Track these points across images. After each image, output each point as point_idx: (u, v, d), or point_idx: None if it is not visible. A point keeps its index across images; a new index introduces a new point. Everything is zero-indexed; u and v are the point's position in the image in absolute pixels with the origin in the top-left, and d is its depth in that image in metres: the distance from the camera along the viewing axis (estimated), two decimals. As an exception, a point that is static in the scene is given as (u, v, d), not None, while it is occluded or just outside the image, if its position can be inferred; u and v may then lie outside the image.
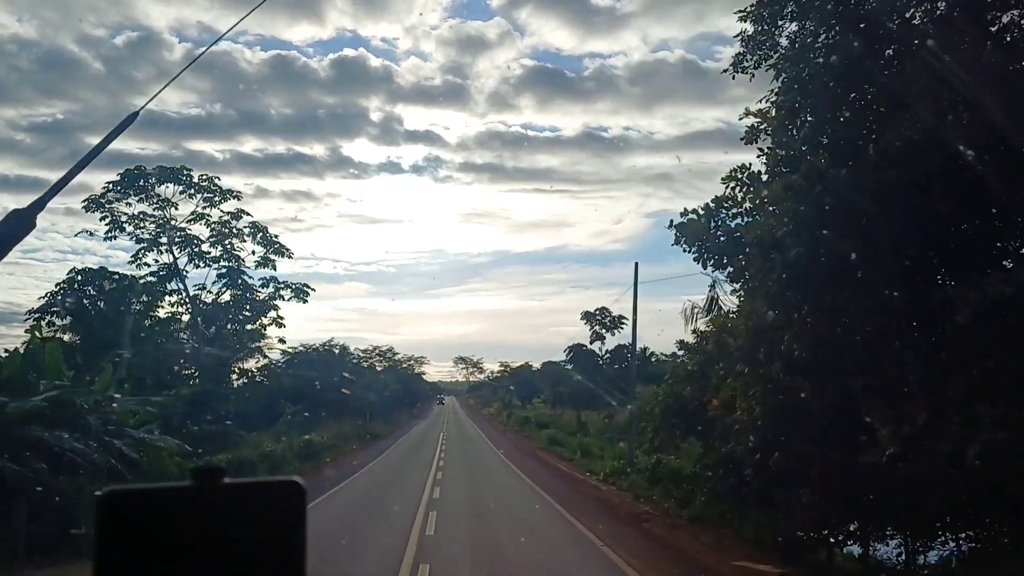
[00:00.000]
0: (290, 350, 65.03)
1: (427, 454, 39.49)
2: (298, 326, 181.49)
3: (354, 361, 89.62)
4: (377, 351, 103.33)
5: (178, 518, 1.28)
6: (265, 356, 40.04)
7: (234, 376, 35.86)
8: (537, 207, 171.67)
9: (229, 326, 33.13)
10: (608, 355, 64.28)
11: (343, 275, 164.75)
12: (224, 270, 31.67)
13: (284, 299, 33.51)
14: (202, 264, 31.25)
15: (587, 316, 60.86)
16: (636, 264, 28.95)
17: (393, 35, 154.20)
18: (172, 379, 27.33)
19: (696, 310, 18.34)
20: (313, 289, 34.66)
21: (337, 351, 75.29)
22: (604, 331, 60.48)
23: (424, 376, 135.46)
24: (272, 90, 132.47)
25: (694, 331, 17.76)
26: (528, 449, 42.46)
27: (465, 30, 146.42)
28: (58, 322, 27.26)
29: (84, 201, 29.74)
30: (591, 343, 62.53)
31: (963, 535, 11.94)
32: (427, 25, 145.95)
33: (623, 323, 60.51)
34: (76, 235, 79.16)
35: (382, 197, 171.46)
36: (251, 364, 39.36)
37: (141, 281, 30.02)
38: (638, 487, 21.20)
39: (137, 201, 29.18)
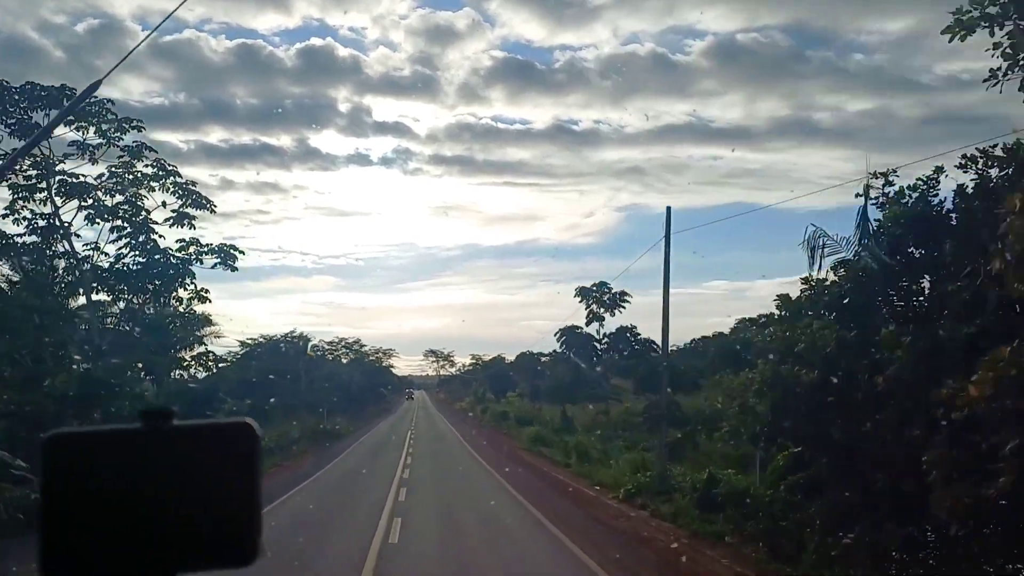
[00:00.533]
0: (249, 341, 59.35)
1: (390, 460, 32.99)
2: (266, 320, 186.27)
3: (318, 353, 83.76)
4: (343, 343, 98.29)
5: (125, 460, 1.25)
6: (202, 343, 33.15)
7: (168, 366, 29.04)
8: (508, 200, 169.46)
9: (136, 301, 26.08)
10: (607, 339, 59.30)
11: (311, 268, 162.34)
12: (125, 226, 24.54)
13: (203, 264, 26.39)
14: (100, 220, 24.16)
15: (582, 292, 54.32)
16: (668, 209, 21.98)
17: (361, 24, 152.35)
18: (49, 368, 20.37)
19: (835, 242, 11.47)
20: (242, 252, 27.35)
21: (300, 343, 69.06)
22: (603, 310, 53.76)
23: (393, 370, 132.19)
24: (238, 79, 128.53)
25: (812, 284, 11.24)
26: (510, 450, 36.09)
27: (434, 20, 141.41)
28: None
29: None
30: (587, 325, 56.06)
31: None
32: (396, 14, 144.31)
33: (625, 302, 54.28)
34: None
35: (351, 189, 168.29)
36: (188, 353, 32.42)
37: (19, 240, 23.19)
38: (689, 516, 15.02)
39: (8, 134, 22.06)
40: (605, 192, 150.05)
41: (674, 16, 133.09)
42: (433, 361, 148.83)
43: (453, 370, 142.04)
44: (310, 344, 76.69)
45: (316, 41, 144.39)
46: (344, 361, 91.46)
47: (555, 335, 62.37)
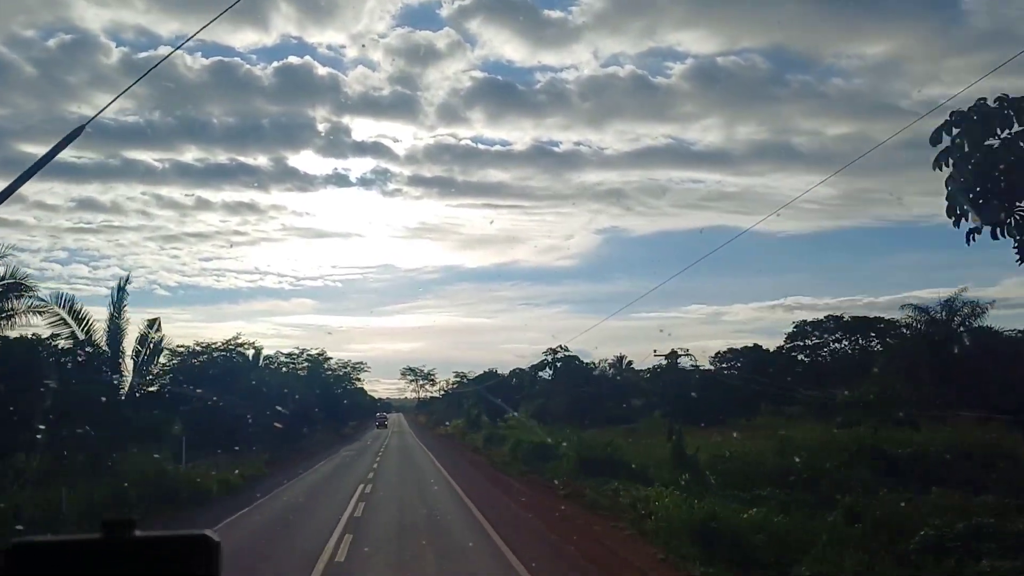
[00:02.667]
0: (180, 349, 46.67)
1: None
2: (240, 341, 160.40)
3: (271, 366, 63.00)
4: (306, 354, 74.87)
5: (86, 571, 1.25)
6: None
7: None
8: (487, 223, 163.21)
9: None
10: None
11: (288, 290, 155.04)
12: None
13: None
14: None
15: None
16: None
17: (340, 43, 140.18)
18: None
19: None
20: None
21: (247, 352, 53.63)
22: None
23: (371, 393, 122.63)
24: (214, 98, 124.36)
25: None
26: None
27: (414, 39, 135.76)
28: None
29: None
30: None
31: None
32: (375, 33, 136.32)
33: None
34: None
35: (329, 210, 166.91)
36: None
37: None
38: None
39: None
40: (585, 215, 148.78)
41: (655, 38, 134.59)
42: (411, 381, 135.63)
43: (434, 390, 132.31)
44: (263, 355, 59.12)
45: (294, 59, 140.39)
46: (302, 375, 68.95)
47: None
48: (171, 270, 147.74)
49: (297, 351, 78.09)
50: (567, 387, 74.10)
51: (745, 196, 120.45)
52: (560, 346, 67.22)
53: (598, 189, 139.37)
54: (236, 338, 55.93)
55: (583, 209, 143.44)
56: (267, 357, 69.38)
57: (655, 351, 56.45)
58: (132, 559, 1.25)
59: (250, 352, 57.67)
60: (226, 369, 47.69)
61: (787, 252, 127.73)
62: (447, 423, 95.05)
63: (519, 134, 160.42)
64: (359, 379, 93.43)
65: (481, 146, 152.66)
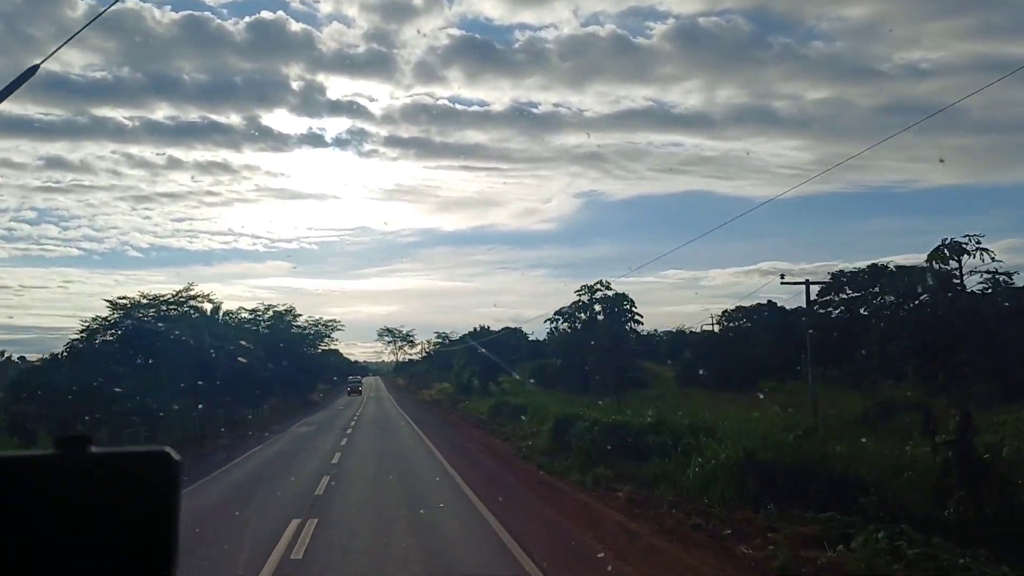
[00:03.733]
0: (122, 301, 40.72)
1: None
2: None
3: (233, 323, 56.21)
4: (272, 310, 63.96)
5: (41, 487, 1.22)
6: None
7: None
8: (465, 185, 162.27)
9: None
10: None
11: (263, 252, 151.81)
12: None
13: None
14: None
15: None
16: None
17: None
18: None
19: None
20: None
21: (207, 309, 46.79)
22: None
23: (348, 356, 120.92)
24: (185, 53, 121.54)
25: None
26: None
27: None
28: None
29: None
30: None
31: None
32: None
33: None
34: None
35: (304, 171, 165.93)
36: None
37: None
38: None
39: None
40: (564, 178, 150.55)
41: None
42: (389, 343, 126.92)
43: (413, 353, 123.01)
44: (222, 310, 52.36)
45: (266, 14, 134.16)
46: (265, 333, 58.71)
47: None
48: (143, 231, 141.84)
49: (262, 307, 67.03)
50: (578, 348, 62.75)
51: (724, 160, 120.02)
52: (600, 282, 54.01)
53: (577, 152, 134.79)
54: (187, 289, 45.39)
55: (562, 172, 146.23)
56: (228, 313, 58.13)
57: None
58: (89, 475, 1.21)
59: (208, 307, 49.72)
60: (171, 327, 39.81)
61: (767, 217, 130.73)
62: (430, 387, 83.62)
63: (497, 94, 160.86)
64: (333, 339, 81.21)
65: (459, 106, 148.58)
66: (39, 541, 1.17)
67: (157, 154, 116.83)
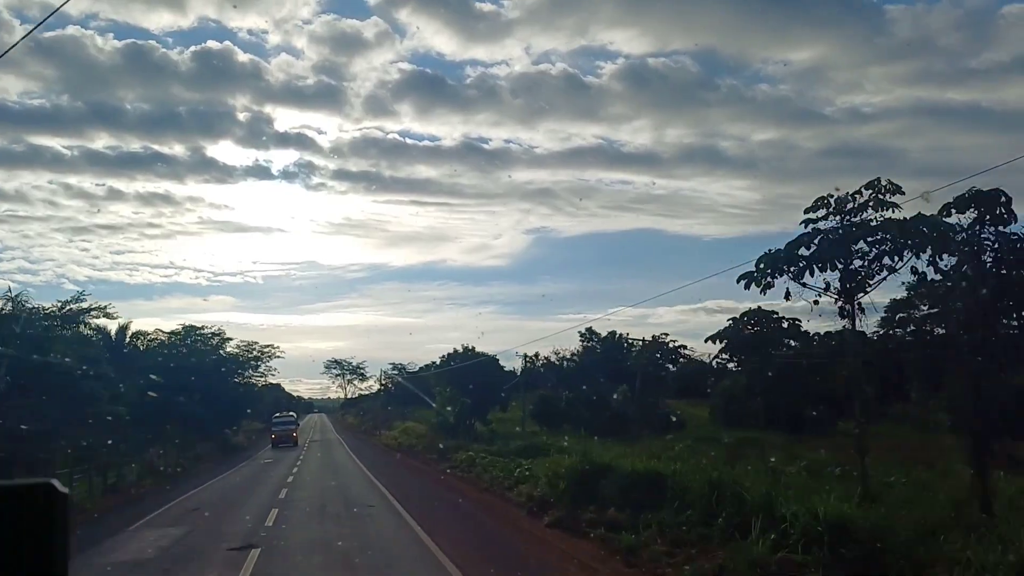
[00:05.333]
0: None
1: None
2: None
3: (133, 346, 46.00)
4: (194, 331, 55.54)
5: None
6: None
7: None
8: (414, 220, 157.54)
9: None
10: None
11: (206, 287, 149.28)
12: None
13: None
14: None
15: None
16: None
17: (262, 28, 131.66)
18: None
19: None
20: None
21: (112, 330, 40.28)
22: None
23: (291, 392, 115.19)
24: (127, 82, 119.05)
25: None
26: None
27: (340, 27, 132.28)
28: None
29: None
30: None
31: None
32: (299, 19, 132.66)
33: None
34: None
35: (250, 203, 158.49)
36: None
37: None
38: None
39: None
40: (514, 214, 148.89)
41: (587, 37, 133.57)
42: (337, 375, 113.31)
43: (364, 387, 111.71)
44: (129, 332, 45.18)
45: (213, 44, 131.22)
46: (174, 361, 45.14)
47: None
48: (81, 263, 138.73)
49: (180, 329, 53.53)
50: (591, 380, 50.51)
51: (673, 199, 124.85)
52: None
53: (528, 188, 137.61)
54: (77, 300, 33.98)
55: (512, 208, 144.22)
56: (140, 334, 49.23)
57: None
58: None
59: (112, 327, 41.92)
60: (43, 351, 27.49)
61: (712, 255, 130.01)
62: (390, 427, 70.04)
63: (448, 129, 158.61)
64: (273, 371, 67.05)
65: (409, 140, 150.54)
66: None
67: (96, 184, 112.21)
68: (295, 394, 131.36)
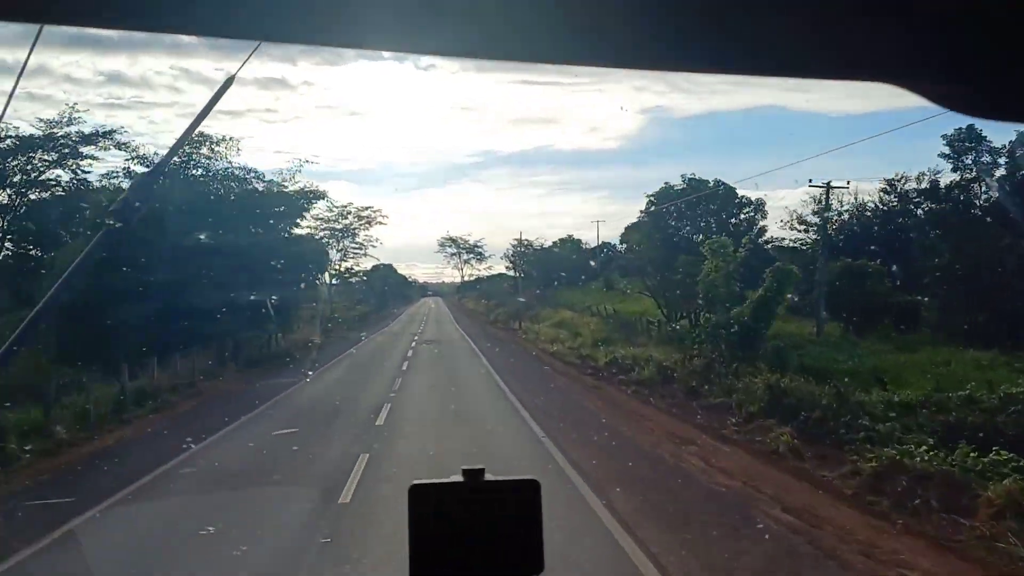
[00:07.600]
0: None
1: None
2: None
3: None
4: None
5: (453, 507, 1.47)
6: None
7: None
8: (526, 101, 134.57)
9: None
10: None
11: (324, 172, 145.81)
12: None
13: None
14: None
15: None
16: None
17: None
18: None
19: None
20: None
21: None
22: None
23: (410, 279, 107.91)
24: None
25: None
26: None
27: None
28: None
29: None
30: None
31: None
32: None
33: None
34: None
35: (360, 86, 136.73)
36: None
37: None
38: None
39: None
40: (628, 92, 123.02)
41: None
42: (452, 254, 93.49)
43: (482, 268, 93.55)
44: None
45: None
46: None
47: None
48: None
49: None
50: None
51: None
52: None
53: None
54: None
55: (626, 86, 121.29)
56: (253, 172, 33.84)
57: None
58: (484, 499, 1.45)
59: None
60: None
61: (840, 130, 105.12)
62: (531, 319, 50.29)
63: None
64: (371, 240, 50.71)
65: None
66: (454, 548, 1.48)
67: (216, 69, 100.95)
68: (409, 278, 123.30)
